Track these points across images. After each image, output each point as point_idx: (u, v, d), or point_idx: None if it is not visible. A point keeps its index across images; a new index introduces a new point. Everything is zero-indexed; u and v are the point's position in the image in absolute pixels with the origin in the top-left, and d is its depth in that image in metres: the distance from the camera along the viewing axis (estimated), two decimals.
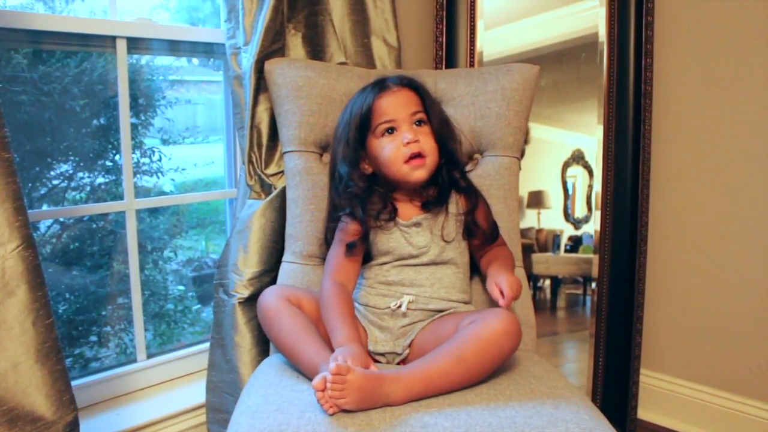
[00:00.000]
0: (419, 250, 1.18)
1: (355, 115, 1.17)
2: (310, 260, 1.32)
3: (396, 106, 1.15)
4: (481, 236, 1.22)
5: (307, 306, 1.14)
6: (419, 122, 1.18)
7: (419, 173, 1.16)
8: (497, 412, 0.93)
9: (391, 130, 1.16)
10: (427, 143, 1.17)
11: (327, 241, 1.26)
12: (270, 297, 1.15)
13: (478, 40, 1.70)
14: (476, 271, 1.32)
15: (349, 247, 1.17)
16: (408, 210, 1.21)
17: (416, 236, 1.19)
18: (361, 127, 1.16)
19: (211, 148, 1.78)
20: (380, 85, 1.18)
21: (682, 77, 1.67)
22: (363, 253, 1.20)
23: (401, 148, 1.15)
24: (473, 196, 1.23)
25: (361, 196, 1.17)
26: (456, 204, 1.22)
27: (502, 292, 1.06)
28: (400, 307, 1.16)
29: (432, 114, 1.20)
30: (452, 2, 1.70)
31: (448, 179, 1.21)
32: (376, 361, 1.16)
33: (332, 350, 1.02)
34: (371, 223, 1.17)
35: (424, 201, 1.21)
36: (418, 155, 1.15)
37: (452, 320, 1.11)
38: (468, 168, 1.33)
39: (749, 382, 1.62)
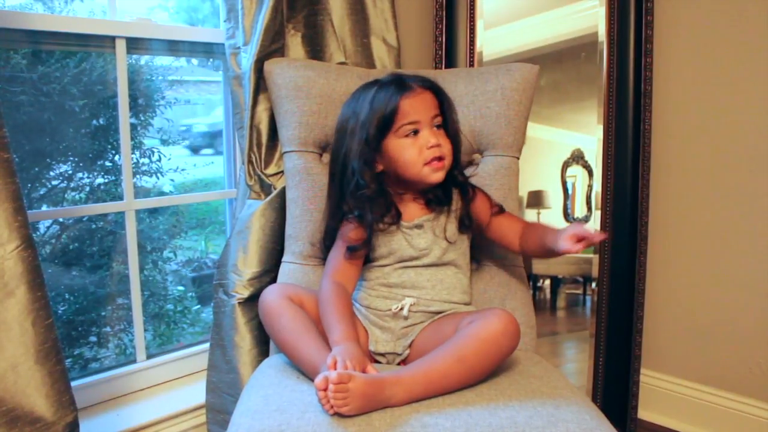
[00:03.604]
0: (420, 251, 1.18)
1: (378, 114, 1.13)
2: (309, 260, 1.31)
3: (420, 108, 1.14)
4: (475, 229, 1.22)
5: (309, 305, 1.14)
6: (437, 126, 1.18)
7: (439, 175, 1.16)
8: (498, 412, 0.93)
9: (415, 132, 1.15)
10: (446, 146, 1.17)
11: (326, 244, 1.24)
12: (272, 295, 1.15)
13: (478, 39, 1.70)
14: (475, 271, 1.32)
15: (351, 250, 1.17)
16: (412, 210, 1.20)
17: (418, 238, 1.18)
18: (382, 126, 1.14)
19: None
20: (403, 85, 1.15)
21: (681, 77, 1.67)
22: (365, 255, 1.20)
23: (424, 151, 1.14)
24: (467, 189, 1.23)
25: (373, 198, 1.16)
26: (456, 202, 1.22)
27: (578, 239, 1.05)
28: (401, 309, 1.16)
29: (449, 117, 1.20)
30: (452, 2, 1.70)
31: (451, 178, 1.21)
32: (377, 362, 1.16)
33: (330, 349, 1.02)
34: (376, 226, 1.16)
35: (428, 199, 1.20)
36: (438, 158, 1.15)
37: (452, 321, 1.11)
38: (470, 172, 1.32)
39: (749, 381, 1.62)
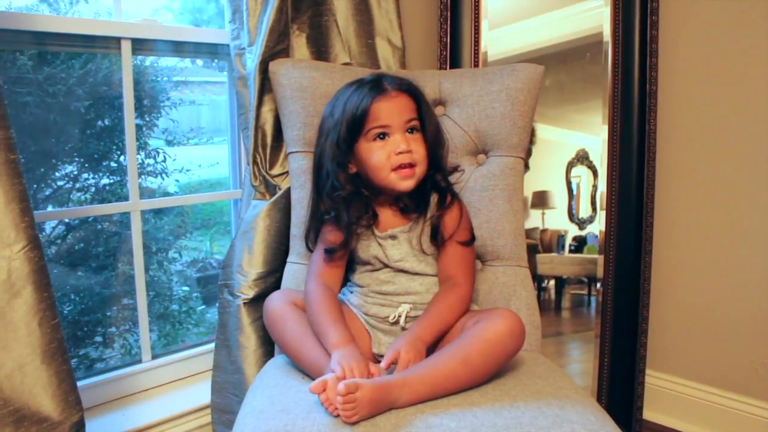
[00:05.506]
0: (396, 263, 1.16)
1: (348, 116, 1.12)
2: None
3: (392, 112, 1.11)
4: (441, 242, 1.15)
5: None
6: (412, 129, 1.14)
7: (407, 183, 1.13)
8: (503, 412, 0.93)
9: (383, 136, 1.12)
10: (419, 152, 1.13)
11: (307, 244, 1.23)
12: (276, 301, 1.16)
13: (483, 40, 1.70)
14: (480, 271, 1.32)
15: (328, 252, 1.16)
16: (387, 218, 1.18)
17: (392, 249, 1.16)
18: (352, 129, 1.12)
19: (215, 148, 1.78)
20: (378, 88, 1.13)
21: (687, 77, 1.67)
22: (346, 258, 1.19)
23: (392, 157, 1.11)
24: (445, 195, 1.17)
25: (349, 199, 1.14)
26: (433, 209, 1.17)
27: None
28: (399, 317, 1.13)
29: (427, 121, 1.16)
30: (456, 2, 1.70)
31: (431, 184, 1.17)
32: (379, 362, 1.16)
33: (328, 352, 1.02)
34: (354, 229, 1.14)
35: (402, 207, 1.17)
36: (408, 165, 1.12)
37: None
38: (454, 178, 1.25)
39: (755, 382, 1.62)
